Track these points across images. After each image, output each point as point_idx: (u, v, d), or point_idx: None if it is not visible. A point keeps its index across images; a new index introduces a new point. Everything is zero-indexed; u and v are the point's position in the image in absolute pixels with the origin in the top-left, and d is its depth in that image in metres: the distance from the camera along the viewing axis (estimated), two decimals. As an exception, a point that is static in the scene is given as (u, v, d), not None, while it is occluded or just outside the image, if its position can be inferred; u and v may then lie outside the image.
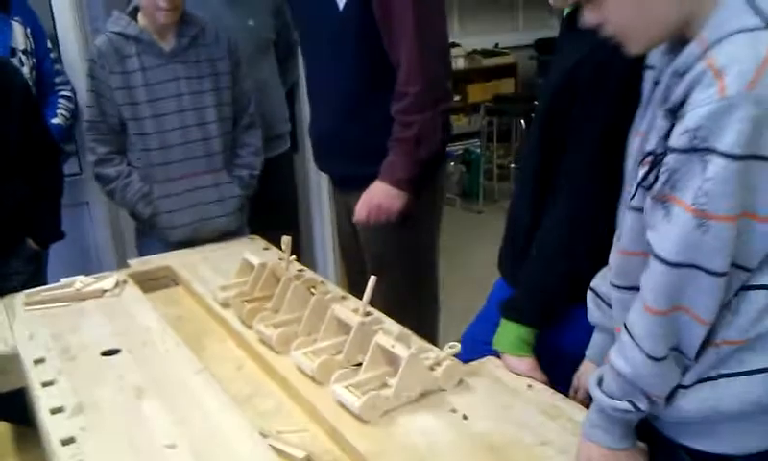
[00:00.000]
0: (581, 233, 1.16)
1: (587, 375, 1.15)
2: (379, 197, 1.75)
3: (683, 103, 0.81)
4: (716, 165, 0.76)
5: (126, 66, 1.88)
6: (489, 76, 5.52)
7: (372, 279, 1.24)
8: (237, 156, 2.06)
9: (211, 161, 1.98)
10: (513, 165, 5.38)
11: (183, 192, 1.96)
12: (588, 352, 1.16)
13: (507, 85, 5.59)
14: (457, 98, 5.19)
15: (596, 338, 1.14)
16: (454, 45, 5.21)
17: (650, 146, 0.88)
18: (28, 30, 2.20)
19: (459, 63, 5.24)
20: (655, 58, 0.94)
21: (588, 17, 0.90)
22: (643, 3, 0.84)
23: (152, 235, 2.01)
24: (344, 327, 1.25)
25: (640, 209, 0.89)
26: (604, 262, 1.06)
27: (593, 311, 1.11)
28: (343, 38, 1.69)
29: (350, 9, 1.64)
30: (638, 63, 1.06)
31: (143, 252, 2.02)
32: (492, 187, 5.10)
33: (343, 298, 1.49)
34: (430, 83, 1.69)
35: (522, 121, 5.06)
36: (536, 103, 4.98)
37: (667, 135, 0.83)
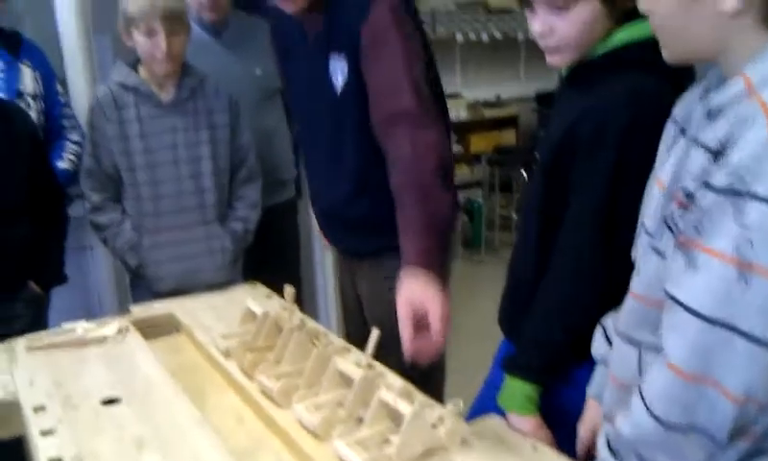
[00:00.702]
0: (584, 287, 1.16)
1: (590, 418, 1.14)
2: (425, 300, 1.23)
3: (724, 142, 0.76)
4: (759, 211, 0.71)
5: (123, 116, 1.92)
6: (490, 127, 5.58)
7: (375, 332, 1.24)
8: (233, 208, 2.07)
9: (204, 214, 2.00)
10: (515, 215, 5.41)
11: (173, 243, 1.98)
12: (589, 390, 1.15)
13: (508, 136, 5.65)
14: (459, 148, 5.24)
15: (599, 373, 1.13)
16: (456, 96, 5.28)
17: (681, 186, 0.84)
18: (37, 73, 2.23)
19: (461, 114, 5.30)
20: (681, 109, 0.94)
21: (641, 3, 0.89)
22: (690, 8, 0.81)
23: (141, 285, 2.03)
24: (346, 381, 1.24)
25: (664, 253, 0.86)
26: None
27: (600, 345, 1.10)
28: (342, 121, 1.62)
29: (348, 93, 1.56)
30: (637, 120, 1.09)
31: (135, 299, 2.03)
32: (494, 237, 5.11)
33: (345, 350, 1.48)
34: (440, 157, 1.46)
35: (524, 172, 5.10)
36: (536, 154, 5.04)
37: (702, 176, 0.79)
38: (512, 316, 1.33)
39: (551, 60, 1.21)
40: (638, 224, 1.00)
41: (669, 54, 0.88)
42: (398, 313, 1.22)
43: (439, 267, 1.28)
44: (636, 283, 0.96)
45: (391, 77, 1.46)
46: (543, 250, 1.22)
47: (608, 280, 1.12)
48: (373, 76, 1.49)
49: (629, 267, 1.00)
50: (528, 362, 1.22)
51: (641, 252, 0.96)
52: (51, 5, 2.43)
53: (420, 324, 1.20)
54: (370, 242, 1.70)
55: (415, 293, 1.21)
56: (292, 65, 1.74)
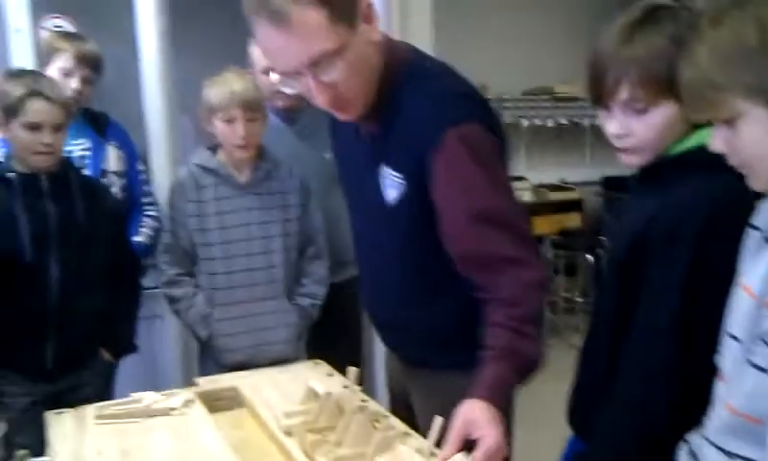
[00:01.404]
0: (657, 391, 1.12)
1: None
2: (484, 432, 1.16)
3: None
4: None
5: (201, 196, 2.01)
6: (555, 210, 5.55)
7: (439, 420, 1.22)
8: (301, 284, 2.13)
9: (273, 289, 2.05)
10: (578, 298, 5.30)
11: (242, 317, 2.03)
12: None
13: (573, 220, 5.60)
14: (523, 230, 5.21)
15: None
16: (521, 179, 5.29)
17: None
18: (122, 152, 2.37)
19: (525, 197, 5.30)
20: (763, 216, 0.92)
21: (717, 143, 0.88)
22: None
23: (209, 356, 2.07)
24: (408, 467, 1.22)
25: (766, 369, 0.84)
26: (685, 420, 1.02)
27: None
28: (392, 231, 1.46)
29: (401, 208, 1.40)
30: (712, 221, 1.07)
31: (202, 371, 2.07)
32: (558, 321, 5.01)
33: (406, 435, 1.46)
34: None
35: (589, 255, 5.02)
36: (601, 238, 4.93)
37: None
38: (582, 413, 1.29)
39: (626, 160, 1.21)
40: (722, 330, 0.97)
41: (759, 185, 0.88)
42: (452, 429, 1.17)
43: (508, 403, 1.25)
44: (730, 395, 0.93)
45: (475, 217, 1.29)
46: (615, 347, 1.19)
47: (683, 385, 1.08)
48: (450, 213, 1.32)
49: (706, 371, 0.96)
50: None
51: (731, 361, 0.94)
52: (138, 88, 2.59)
53: (466, 446, 1.16)
54: (421, 353, 1.57)
55: (477, 421, 1.16)
56: (344, 151, 1.63)
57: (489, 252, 1.28)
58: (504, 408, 1.21)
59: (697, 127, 1.15)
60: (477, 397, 1.20)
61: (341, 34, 1.21)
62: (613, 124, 1.18)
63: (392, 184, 1.39)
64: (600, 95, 1.17)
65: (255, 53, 2.34)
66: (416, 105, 1.32)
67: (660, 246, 1.12)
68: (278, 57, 1.25)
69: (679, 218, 1.11)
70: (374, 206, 1.44)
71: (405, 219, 1.40)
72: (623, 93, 1.14)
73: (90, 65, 2.23)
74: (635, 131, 1.16)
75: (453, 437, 1.15)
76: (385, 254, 1.51)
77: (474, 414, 1.17)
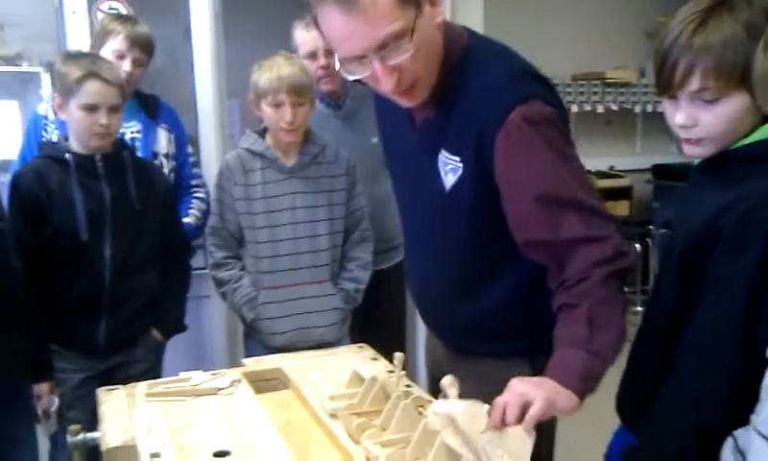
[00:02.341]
0: (718, 386, 1.09)
1: None
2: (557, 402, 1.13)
3: None
4: None
5: (249, 179, 2.03)
6: (603, 197, 5.41)
7: (484, 407, 1.21)
8: (345, 269, 2.13)
9: (317, 272, 2.07)
10: (626, 289, 5.20)
11: (287, 300, 2.04)
12: None
13: (622, 208, 5.49)
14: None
15: None
16: (569, 165, 5.21)
17: None
18: (172, 136, 2.40)
19: (573, 183, 5.21)
20: None
21: None
22: None
23: (254, 338, 2.09)
24: (453, 455, 1.22)
25: None
26: (741, 417, 1.00)
27: (729, 458, 1.03)
28: (449, 218, 1.41)
29: (459, 192, 1.36)
30: None
31: (247, 353, 2.10)
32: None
33: (452, 421, 1.46)
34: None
35: (637, 245, 4.92)
36: (650, 227, 4.85)
37: None
38: (633, 404, 1.27)
39: (690, 151, 1.17)
40: None
41: None
42: (506, 396, 1.12)
43: (582, 389, 1.15)
44: None
45: (542, 200, 1.24)
46: (671, 340, 1.17)
47: (743, 381, 1.05)
48: (516, 197, 1.28)
49: (762, 365, 0.94)
50: (650, 458, 1.15)
51: None
52: (189, 71, 2.63)
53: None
54: (466, 341, 1.55)
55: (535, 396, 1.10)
56: (394, 141, 1.58)
57: (558, 237, 1.24)
58: (579, 386, 1.14)
59: (766, 119, 1.11)
60: (561, 382, 1.14)
61: (408, 15, 1.19)
62: (680, 114, 1.14)
63: (446, 167, 1.36)
64: (669, 85, 1.13)
65: (299, 38, 2.35)
66: (478, 86, 1.29)
67: (728, 242, 1.09)
68: (345, 42, 1.23)
69: (749, 214, 1.07)
70: (431, 195, 1.41)
71: (464, 205, 1.36)
72: (693, 83, 1.10)
73: (142, 48, 2.26)
74: (702, 122, 1.12)
75: (499, 405, 1.10)
76: (441, 244, 1.47)
77: (527, 391, 1.10)
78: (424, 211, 1.49)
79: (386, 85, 1.26)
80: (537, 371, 1.24)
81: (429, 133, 1.39)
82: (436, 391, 1.72)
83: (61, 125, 2.08)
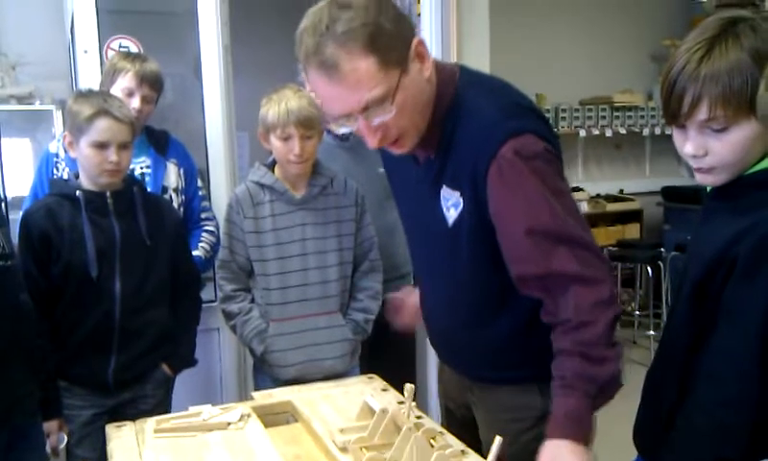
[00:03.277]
0: (738, 417, 1.07)
1: None
2: None
3: None
4: None
5: (258, 212, 2.04)
6: (613, 221, 5.44)
7: (498, 440, 1.20)
8: (355, 299, 2.13)
9: (327, 303, 2.07)
10: (637, 312, 5.17)
11: (297, 332, 2.04)
12: None
13: (632, 231, 5.48)
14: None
15: None
16: (578, 189, 5.21)
17: None
18: (181, 170, 2.43)
19: (582, 207, 5.21)
20: None
21: None
22: None
23: (264, 371, 2.09)
24: (464, 489, 1.21)
25: None
26: (761, 448, 0.98)
27: None
28: (455, 251, 1.42)
29: (461, 226, 1.37)
30: None
31: (257, 386, 2.10)
32: (616, 334, 4.88)
33: (463, 453, 1.44)
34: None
35: (649, 268, 4.89)
36: (662, 250, 4.80)
37: None
38: (650, 435, 1.25)
39: (703, 179, 1.16)
40: None
41: None
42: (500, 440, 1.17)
43: (587, 431, 1.19)
44: None
45: (535, 234, 1.25)
46: (688, 367, 1.15)
47: (761, 412, 1.04)
48: (509, 230, 1.29)
49: None
50: None
51: None
52: (199, 106, 2.67)
53: None
54: (477, 369, 1.55)
55: None
56: (399, 177, 1.58)
57: (551, 271, 1.24)
58: (586, 436, 1.18)
59: None
60: (554, 436, 1.18)
61: (391, 78, 1.22)
62: (689, 144, 1.12)
63: (451, 204, 1.37)
64: (677, 115, 1.12)
65: None
66: (472, 122, 1.31)
67: (743, 271, 1.08)
68: (329, 103, 1.26)
69: (763, 243, 1.06)
70: (435, 229, 1.42)
71: (465, 239, 1.37)
72: (702, 113, 1.09)
73: (151, 85, 2.29)
74: (713, 150, 1.11)
75: None
76: (447, 276, 1.48)
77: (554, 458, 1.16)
78: (430, 245, 1.50)
79: (371, 142, 1.29)
80: (546, 396, 1.29)
81: (431, 170, 1.40)
82: (450, 423, 1.72)
83: (72, 163, 2.11)
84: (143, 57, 2.34)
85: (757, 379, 1.05)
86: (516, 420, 1.47)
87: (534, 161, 1.26)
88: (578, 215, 1.30)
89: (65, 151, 2.13)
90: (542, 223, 1.25)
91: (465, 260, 1.41)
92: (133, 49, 2.57)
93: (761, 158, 1.12)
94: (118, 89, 2.25)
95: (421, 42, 1.27)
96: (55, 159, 2.33)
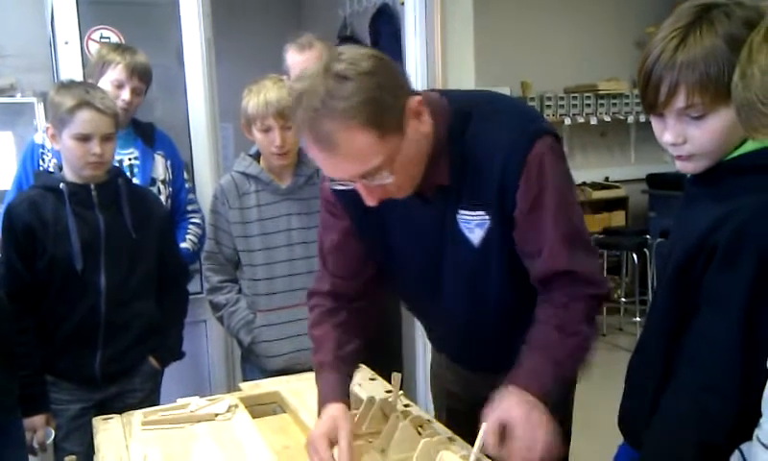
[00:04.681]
0: (717, 403, 1.08)
1: None
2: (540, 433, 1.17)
3: None
4: None
5: (244, 203, 2.03)
6: (598, 208, 5.48)
7: (485, 425, 1.21)
8: None
9: None
10: (623, 299, 5.21)
11: (284, 322, 2.04)
12: None
13: (617, 218, 5.52)
14: (565, 229, 5.15)
15: None
16: (563, 177, 5.22)
17: None
18: (168, 162, 2.42)
19: (568, 195, 5.23)
20: None
21: None
22: None
23: (252, 361, 2.09)
24: (452, 475, 1.21)
25: None
26: (742, 432, 0.99)
27: None
28: (484, 270, 1.40)
29: (490, 243, 1.36)
30: None
31: (245, 377, 2.10)
32: (601, 321, 4.93)
33: (450, 440, 1.45)
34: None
35: (634, 255, 4.93)
36: (648, 237, 4.83)
37: None
38: (634, 421, 1.26)
39: (683, 167, 1.16)
40: None
41: None
42: (488, 425, 1.16)
43: (547, 393, 1.21)
44: None
45: (551, 234, 1.29)
46: (670, 353, 1.16)
47: (742, 396, 1.05)
48: (543, 230, 1.31)
49: (762, 380, 0.94)
50: None
51: None
52: (183, 96, 2.65)
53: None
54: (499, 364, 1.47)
55: (513, 417, 1.16)
56: (397, 216, 1.44)
57: (573, 271, 1.29)
58: (545, 396, 1.20)
59: None
60: (513, 383, 1.20)
61: (390, 145, 1.19)
62: (668, 133, 1.12)
63: (475, 225, 1.35)
64: (655, 104, 1.12)
65: (291, 60, 2.36)
66: (486, 139, 1.30)
67: (723, 258, 1.08)
68: (326, 170, 1.25)
69: (744, 227, 1.06)
70: (457, 254, 1.39)
71: (495, 255, 1.37)
72: (679, 101, 1.09)
73: (141, 77, 2.27)
74: (691, 138, 1.11)
75: (488, 434, 1.15)
76: (477, 299, 1.45)
77: (511, 410, 1.17)
78: (449, 272, 1.44)
79: (369, 201, 1.27)
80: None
81: (443, 200, 1.36)
82: (449, 420, 1.70)
83: (58, 153, 2.09)
84: (132, 48, 2.32)
85: (739, 364, 1.06)
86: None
87: (560, 162, 1.31)
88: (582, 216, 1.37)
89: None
90: (574, 227, 1.31)
91: (494, 278, 1.40)
92: (114, 40, 2.54)
93: (740, 144, 1.12)
94: (107, 81, 2.22)
95: (419, 102, 1.24)
96: (41, 150, 2.30)
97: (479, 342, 1.52)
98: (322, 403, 1.41)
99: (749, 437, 1.03)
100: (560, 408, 1.29)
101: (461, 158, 1.32)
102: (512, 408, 1.17)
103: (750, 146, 1.12)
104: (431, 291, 1.51)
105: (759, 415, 0.98)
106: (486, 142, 1.31)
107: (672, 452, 1.13)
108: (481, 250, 1.36)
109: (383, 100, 1.16)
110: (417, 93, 1.27)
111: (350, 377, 1.48)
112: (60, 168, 1.97)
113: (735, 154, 1.13)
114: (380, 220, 1.43)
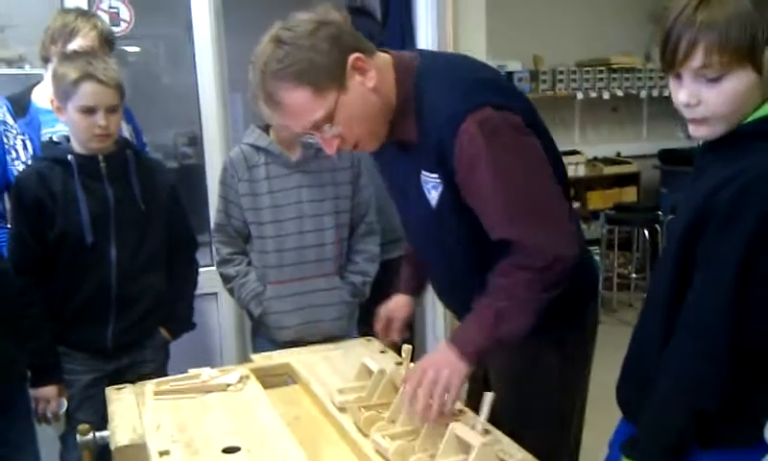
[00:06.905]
0: (711, 368, 1.08)
1: None
2: (442, 365, 1.32)
3: None
4: None
5: (253, 175, 2.02)
6: (610, 184, 5.43)
7: (489, 396, 1.22)
8: (352, 262, 2.13)
9: (324, 266, 2.07)
10: (634, 275, 5.19)
11: (294, 294, 2.04)
12: None
13: (629, 194, 5.47)
14: (576, 204, 5.12)
15: None
16: (574, 153, 5.18)
17: None
18: (130, 127, 2.36)
19: (579, 171, 5.19)
20: None
21: None
22: None
23: (262, 333, 2.09)
24: (463, 446, 1.22)
25: None
26: (735, 398, 0.99)
27: None
28: (443, 231, 1.47)
29: (443, 206, 1.42)
30: None
31: (255, 348, 2.11)
32: (611, 297, 4.92)
33: (460, 412, 1.45)
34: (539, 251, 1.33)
35: (645, 231, 4.90)
36: (659, 213, 4.79)
37: None
38: (633, 396, 1.25)
39: (696, 132, 1.14)
40: None
41: None
42: (412, 375, 1.33)
43: (473, 344, 1.33)
44: None
45: (490, 205, 1.35)
46: (670, 323, 1.15)
47: (738, 362, 1.04)
48: (474, 206, 1.38)
49: (761, 348, 0.93)
50: (647, 446, 1.14)
51: None
52: (192, 67, 2.63)
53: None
54: None
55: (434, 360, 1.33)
56: (387, 169, 1.61)
57: (512, 240, 1.33)
58: (469, 358, 1.32)
59: None
60: (448, 340, 1.37)
61: (330, 99, 1.32)
62: (683, 92, 1.11)
63: (431, 187, 1.42)
64: (672, 62, 1.10)
65: None
66: (433, 108, 1.36)
67: (722, 216, 1.07)
68: (283, 126, 1.43)
69: (746, 187, 1.05)
70: (421, 211, 1.47)
71: (449, 216, 1.43)
72: (696, 60, 1.07)
73: (110, 44, 2.18)
74: (706, 100, 1.09)
75: (409, 380, 1.33)
76: (440, 251, 1.54)
77: (429, 360, 1.34)
78: (419, 225, 1.56)
79: (328, 150, 1.41)
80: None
81: (413, 157, 1.44)
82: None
83: (27, 127, 2.09)
84: (95, 14, 2.25)
85: (732, 330, 1.05)
86: (534, 367, 1.53)
87: (496, 136, 1.31)
88: (544, 177, 1.37)
89: (12, 117, 2.07)
90: (517, 194, 1.32)
91: (452, 237, 1.47)
92: (123, 10, 2.51)
93: (757, 108, 1.10)
94: (76, 48, 2.12)
95: (359, 58, 1.32)
96: (2, 127, 2.13)
97: (462, 290, 1.53)
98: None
99: (742, 402, 1.02)
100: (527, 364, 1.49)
101: (420, 120, 1.39)
102: (431, 359, 1.35)
103: (763, 111, 1.10)
104: (416, 239, 1.66)
105: (753, 380, 0.96)
106: (432, 111, 1.37)
107: (666, 419, 1.13)
108: (437, 211, 1.43)
109: (314, 60, 1.29)
110: (386, 52, 1.41)
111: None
112: (67, 140, 1.96)
113: (750, 119, 1.10)
114: (381, 167, 1.63)
